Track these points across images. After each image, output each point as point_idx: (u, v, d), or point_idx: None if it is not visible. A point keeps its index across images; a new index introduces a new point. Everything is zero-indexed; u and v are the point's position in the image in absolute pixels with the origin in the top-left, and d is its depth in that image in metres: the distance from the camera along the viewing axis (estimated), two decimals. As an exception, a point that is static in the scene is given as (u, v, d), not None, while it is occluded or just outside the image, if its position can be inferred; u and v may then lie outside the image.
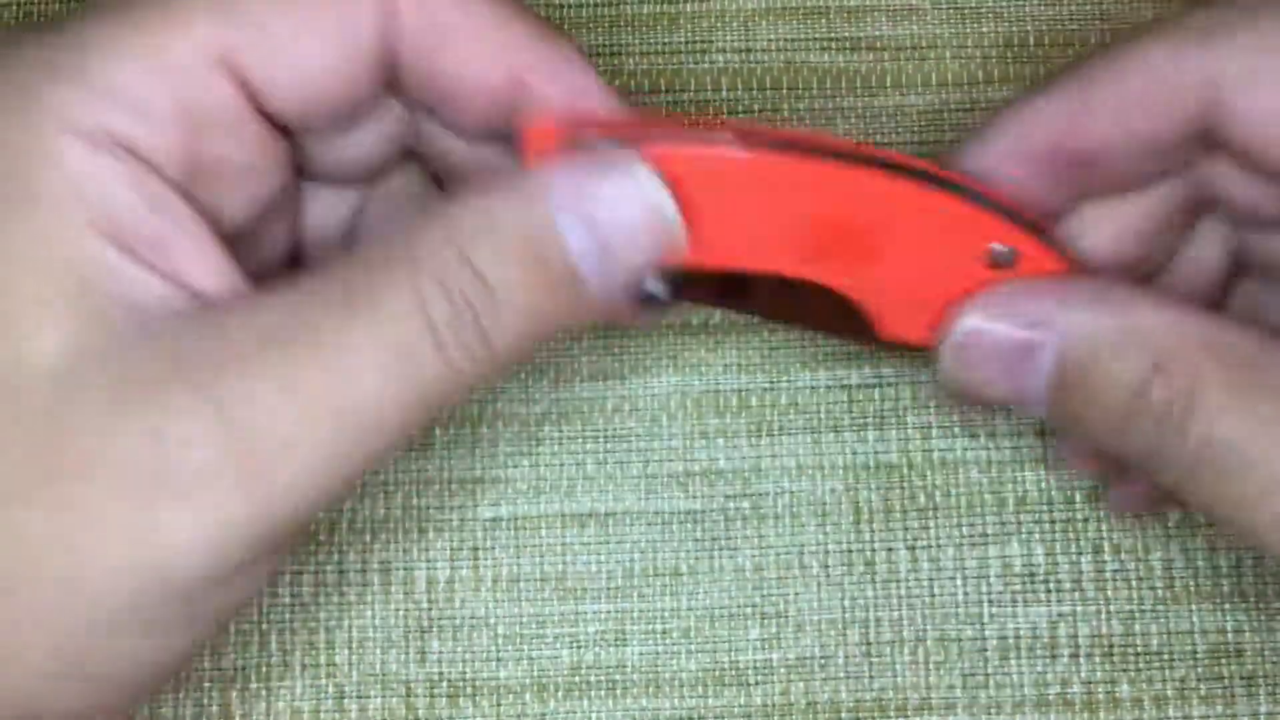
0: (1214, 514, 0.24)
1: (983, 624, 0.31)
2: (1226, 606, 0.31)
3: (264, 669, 0.31)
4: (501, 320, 0.22)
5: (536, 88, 0.25)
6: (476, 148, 0.26)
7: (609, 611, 0.32)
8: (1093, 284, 0.25)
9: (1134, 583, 0.31)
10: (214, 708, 0.31)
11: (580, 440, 0.32)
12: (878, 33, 0.34)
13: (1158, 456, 0.24)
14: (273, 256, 0.27)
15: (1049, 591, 0.31)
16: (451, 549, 0.32)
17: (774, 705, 0.31)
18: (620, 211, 0.23)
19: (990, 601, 0.31)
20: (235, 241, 0.25)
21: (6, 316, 0.21)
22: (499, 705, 0.31)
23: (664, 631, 0.31)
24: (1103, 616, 0.31)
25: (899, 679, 0.31)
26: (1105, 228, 0.27)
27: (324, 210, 0.28)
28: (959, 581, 0.32)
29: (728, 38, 0.34)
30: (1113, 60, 0.25)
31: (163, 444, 0.21)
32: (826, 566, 0.32)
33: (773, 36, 0.34)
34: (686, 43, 0.34)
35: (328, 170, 0.27)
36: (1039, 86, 0.26)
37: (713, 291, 0.27)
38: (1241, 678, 0.31)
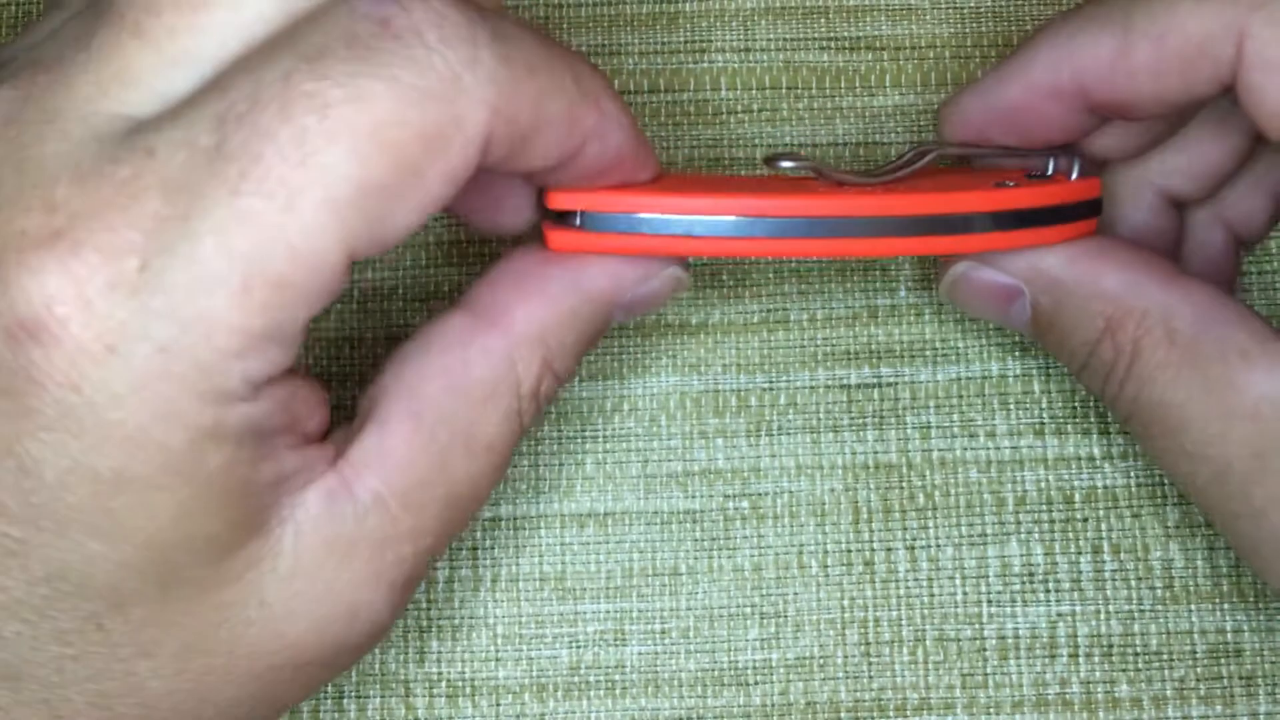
0: (1157, 463, 0.28)
1: (982, 624, 0.31)
2: (1226, 606, 0.31)
3: (264, 669, 0.31)
4: (556, 388, 0.27)
5: (591, 152, 0.24)
6: (495, 193, 0.27)
7: (608, 611, 0.32)
8: (1068, 252, 0.27)
9: (1133, 583, 0.31)
10: (214, 707, 0.31)
11: (580, 440, 0.32)
12: (878, 33, 0.34)
13: (1108, 404, 0.28)
14: None
15: (1048, 591, 0.31)
16: (451, 549, 0.32)
17: (773, 705, 0.31)
18: (657, 300, 0.27)
19: (989, 601, 0.31)
20: None
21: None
22: (498, 705, 0.31)
23: (663, 631, 0.31)
24: (1102, 616, 0.31)
25: (898, 679, 0.31)
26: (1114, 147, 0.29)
27: None
28: (958, 581, 0.32)
29: (727, 37, 0.34)
30: (1150, 7, 0.25)
31: (355, 628, 0.24)
32: (825, 566, 0.32)
33: (772, 36, 0.34)
34: (686, 42, 0.34)
35: None
36: (1066, 19, 0.27)
37: None
38: (1241, 678, 0.31)
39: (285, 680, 0.24)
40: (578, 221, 0.25)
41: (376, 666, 0.31)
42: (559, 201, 0.25)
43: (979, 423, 0.32)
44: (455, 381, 0.24)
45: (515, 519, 0.32)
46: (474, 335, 0.25)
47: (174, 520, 0.21)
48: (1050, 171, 0.28)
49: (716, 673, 0.31)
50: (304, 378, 0.23)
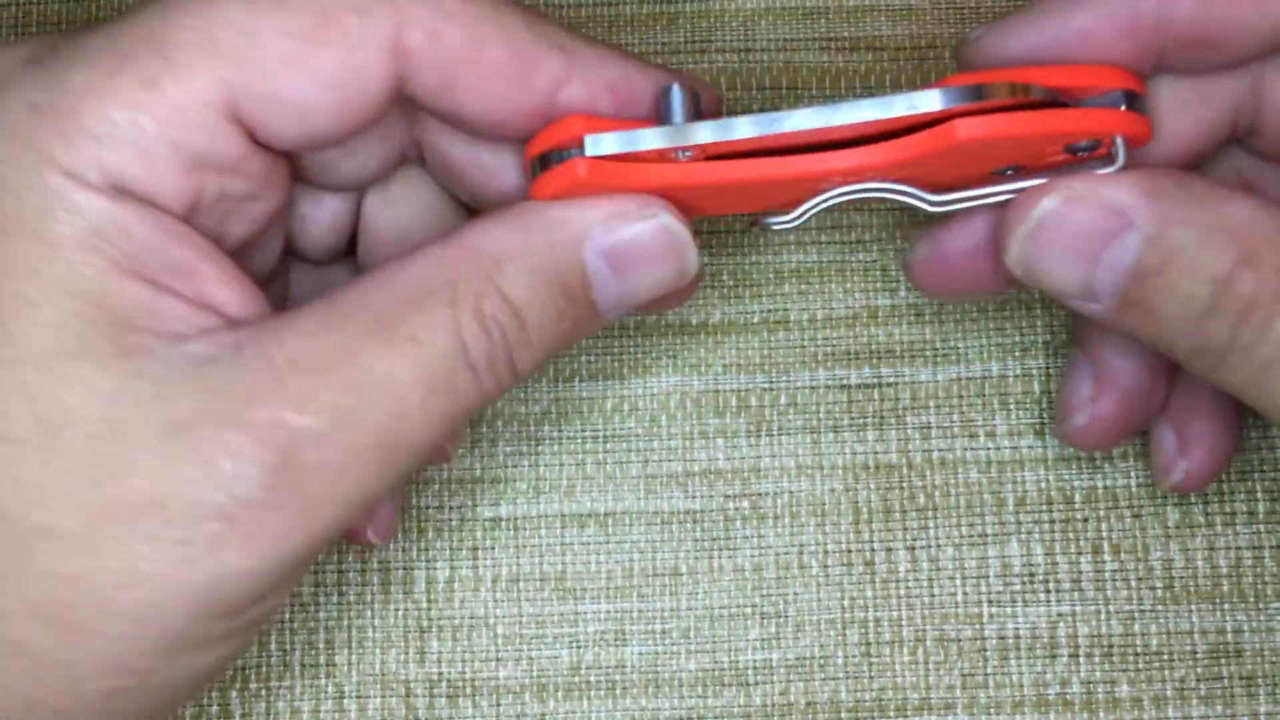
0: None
1: (982, 624, 0.31)
2: (1226, 607, 0.31)
3: (264, 669, 0.31)
4: (527, 348, 0.24)
5: (569, 99, 0.24)
6: (483, 158, 0.26)
7: (608, 611, 0.32)
8: (1178, 175, 0.24)
9: (1133, 583, 0.31)
10: (214, 708, 0.31)
11: (580, 440, 0.32)
12: (878, 33, 0.34)
13: (1231, 353, 0.23)
14: (268, 260, 0.27)
15: (1048, 592, 0.31)
16: (451, 549, 0.32)
17: (773, 705, 0.31)
18: (645, 254, 0.25)
19: (990, 601, 0.31)
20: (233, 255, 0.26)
21: (47, 366, 0.22)
22: (498, 705, 0.31)
23: (663, 631, 0.31)
24: (1102, 617, 0.31)
25: (898, 679, 0.31)
26: (1178, 106, 0.26)
27: (317, 210, 0.28)
28: (958, 581, 0.32)
29: (727, 37, 0.34)
30: None
31: (214, 479, 0.21)
32: (826, 566, 0.32)
33: (772, 36, 0.34)
34: (685, 42, 0.34)
35: (326, 182, 0.27)
36: None
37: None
38: (1241, 678, 0.31)
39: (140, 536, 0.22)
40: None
41: (377, 667, 0.31)
42: (535, 146, 0.24)
43: (979, 423, 0.32)
44: (385, 277, 0.23)
45: (515, 519, 0.32)
46: (421, 247, 0.24)
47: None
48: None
49: (717, 673, 0.31)
50: (222, 260, 0.23)
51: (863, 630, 0.31)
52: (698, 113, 0.24)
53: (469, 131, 0.25)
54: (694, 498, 0.32)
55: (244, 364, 0.22)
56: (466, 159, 0.26)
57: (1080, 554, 0.32)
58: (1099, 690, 0.31)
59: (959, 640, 0.31)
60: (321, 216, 0.28)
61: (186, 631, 0.22)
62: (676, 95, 0.24)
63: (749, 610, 0.31)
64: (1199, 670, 0.31)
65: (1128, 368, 0.29)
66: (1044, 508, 0.32)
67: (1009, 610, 0.31)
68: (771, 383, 0.32)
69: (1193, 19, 0.24)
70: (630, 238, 0.24)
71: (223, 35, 0.22)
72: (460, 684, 0.31)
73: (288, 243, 0.28)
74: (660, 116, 0.24)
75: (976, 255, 0.27)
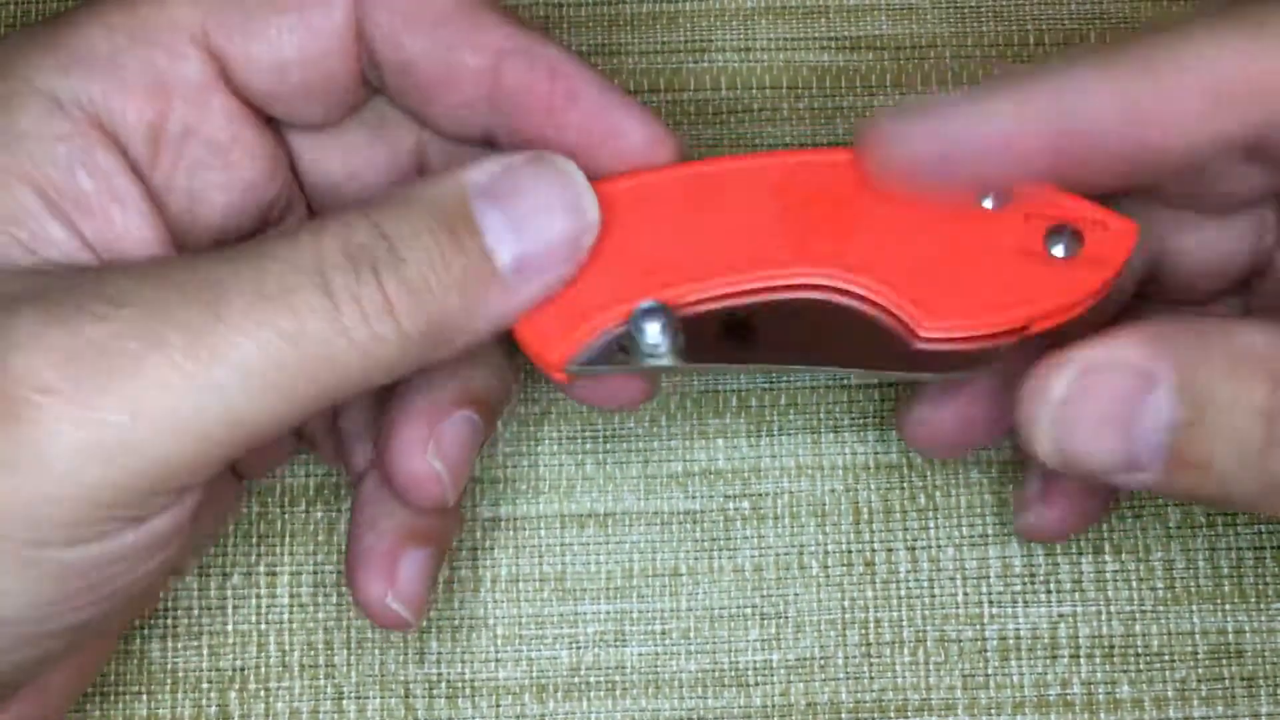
0: None
1: (983, 625, 0.31)
2: (1227, 607, 0.31)
3: (263, 669, 0.31)
4: (406, 285, 0.22)
5: (511, 69, 0.24)
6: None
7: (608, 612, 0.31)
8: (1177, 319, 0.23)
9: (1134, 583, 0.31)
10: (213, 708, 0.31)
11: (580, 440, 0.32)
12: (878, 32, 0.34)
13: None
14: None
15: (1049, 592, 0.31)
16: (451, 549, 0.32)
17: (774, 706, 0.31)
18: (531, 191, 0.23)
19: (990, 602, 0.31)
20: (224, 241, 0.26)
21: None
22: (498, 706, 0.31)
23: (663, 632, 0.31)
24: (1103, 617, 0.31)
25: (899, 680, 0.31)
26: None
27: None
28: (959, 582, 0.31)
29: (727, 37, 0.34)
30: (1169, 50, 0.23)
31: (3, 359, 0.20)
32: (826, 567, 0.32)
33: (772, 36, 0.34)
34: (685, 42, 0.34)
35: (333, 199, 0.27)
36: (1066, 63, 0.23)
37: (718, 341, 0.25)
38: (1242, 679, 0.31)
39: None
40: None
41: (376, 667, 0.31)
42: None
43: (980, 423, 0.32)
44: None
45: (515, 519, 0.32)
46: None
47: None
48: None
49: (717, 673, 0.31)
50: (144, 218, 0.23)
51: (863, 631, 0.31)
52: (670, 324, 0.24)
53: (423, 94, 0.25)
54: (694, 498, 0.32)
55: (84, 271, 0.22)
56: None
57: (1081, 554, 0.32)
58: (1100, 691, 0.31)
59: (959, 641, 0.31)
60: None
61: None
62: (649, 330, 0.24)
63: (749, 611, 0.31)
64: (1200, 671, 0.31)
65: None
66: (1045, 508, 0.32)
67: (1010, 611, 0.31)
68: (772, 383, 0.32)
69: (1122, 134, 0.23)
70: (511, 173, 0.23)
71: None
72: (460, 684, 0.31)
73: None
74: (633, 343, 0.24)
75: (974, 423, 0.28)
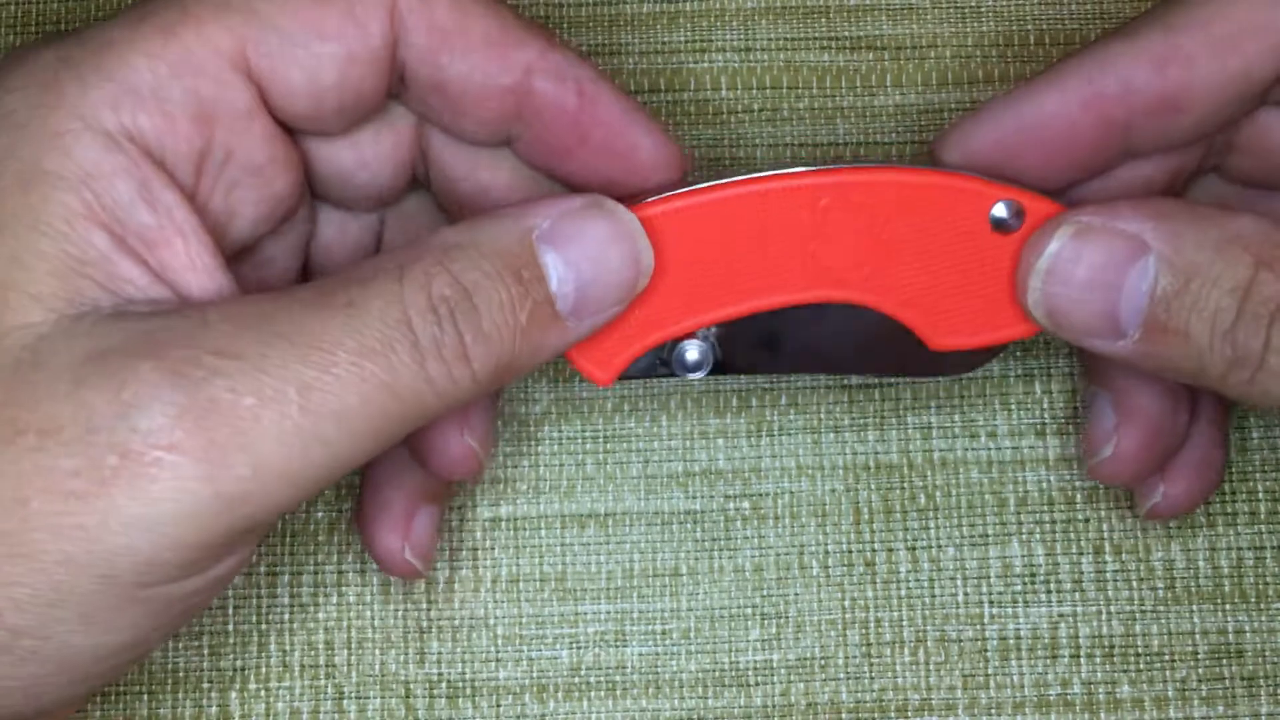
0: None
1: (983, 625, 0.31)
2: (1227, 607, 0.31)
3: (263, 669, 0.31)
4: (481, 335, 0.23)
5: (541, 87, 0.25)
6: (480, 176, 0.27)
7: (609, 612, 0.31)
8: (1179, 200, 0.25)
9: (1135, 583, 0.31)
10: (213, 708, 0.31)
11: (580, 440, 0.32)
12: (878, 32, 0.34)
13: (1269, 356, 0.23)
14: (284, 276, 0.27)
15: (1049, 592, 0.31)
16: (451, 549, 0.32)
17: (774, 706, 0.31)
18: (592, 237, 0.24)
19: (990, 602, 0.31)
20: (246, 254, 0.26)
21: None
22: (498, 706, 0.31)
23: (664, 632, 0.31)
24: (1103, 617, 0.31)
25: (899, 680, 0.31)
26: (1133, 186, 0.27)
27: (337, 234, 0.28)
28: (959, 582, 0.31)
29: (727, 37, 0.34)
30: (1185, 9, 0.25)
31: (116, 406, 0.21)
32: (826, 567, 0.32)
33: (772, 35, 0.34)
34: (686, 42, 0.34)
35: (343, 197, 0.27)
36: (1105, 40, 0.26)
37: (751, 352, 0.28)
38: (1242, 678, 0.31)
39: None
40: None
41: (376, 667, 0.31)
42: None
43: (980, 423, 0.32)
44: (342, 270, 0.24)
45: (515, 519, 0.32)
46: None
47: None
48: None
49: (717, 674, 0.31)
50: (201, 244, 0.23)
51: (863, 631, 0.31)
52: (707, 341, 0.27)
53: (453, 109, 0.26)
54: (694, 498, 0.32)
55: (179, 315, 0.22)
56: (464, 167, 0.27)
57: (1081, 554, 0.32)
58: (1100, 691, 0.31)
59: (960, 641, 0.31)
60: (345, 239, 0.28)
61: (67, 592, 0.21)
62: (689, 348, 0.27)
63: (749, 611, 0.31)
64: (1200, 671, 0.31)
65: (1148, 395, 0.29)
66: (1045, 508, 0.32)
67: (1010, 611, 0.31)
68: (772, 383, 0.32)
69: (1151, 83, 0.25)
70: (573, 219, 0.24)
71: None
72: (460, 684, 0.31)
73: (312, 267, 0.28)
74: (674, 357, 0.27)
75: (1152, 451, 0.29)
